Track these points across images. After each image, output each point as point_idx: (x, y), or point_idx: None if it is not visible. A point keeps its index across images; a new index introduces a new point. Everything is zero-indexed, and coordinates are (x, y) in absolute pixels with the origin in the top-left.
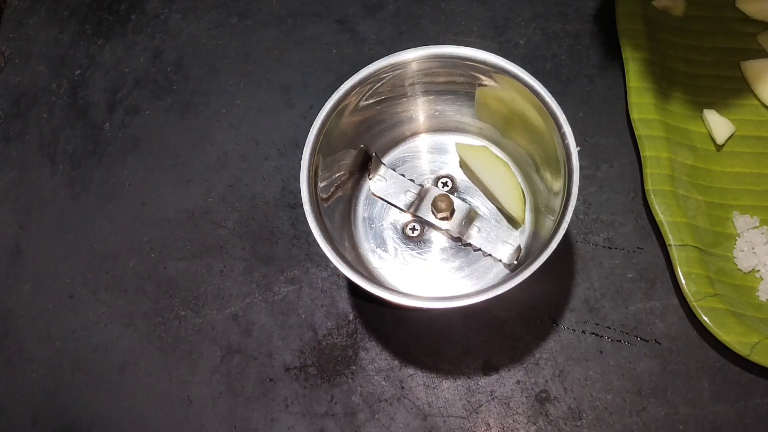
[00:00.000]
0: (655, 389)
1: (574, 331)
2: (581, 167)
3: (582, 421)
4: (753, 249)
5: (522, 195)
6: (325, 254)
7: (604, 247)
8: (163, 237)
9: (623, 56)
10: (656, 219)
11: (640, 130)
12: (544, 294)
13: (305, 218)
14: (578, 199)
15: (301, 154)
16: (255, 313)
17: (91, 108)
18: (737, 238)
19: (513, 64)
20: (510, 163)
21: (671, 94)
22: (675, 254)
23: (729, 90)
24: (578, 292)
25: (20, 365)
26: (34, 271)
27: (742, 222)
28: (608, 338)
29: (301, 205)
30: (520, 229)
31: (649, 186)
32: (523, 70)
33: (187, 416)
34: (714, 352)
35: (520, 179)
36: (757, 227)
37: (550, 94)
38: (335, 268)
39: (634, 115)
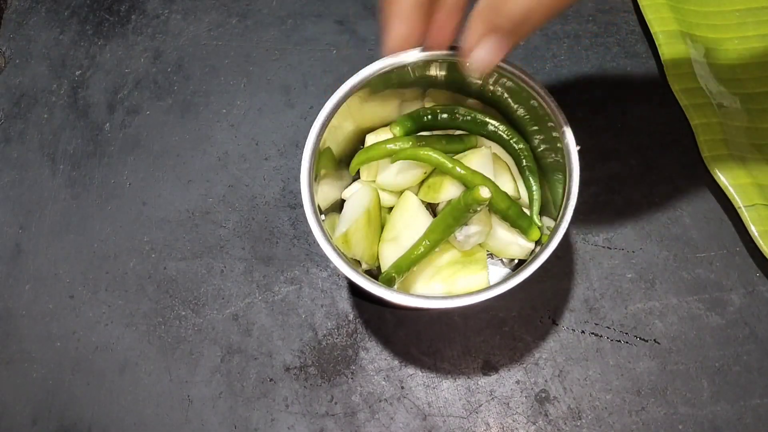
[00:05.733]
0: (655, 389)
1: (574, 331)
2: (581, 167)
3: (581, 421)
4: None
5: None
6: (325, 254)
7: (603, 247)
8: (164, 237)
9: (652, 32)
10: (720, 184)
11: (684, 100)
12: (544, 294)
13: (305, 218)
14: (578, 200)
15: (301, 154)
16: (255, 313)
17: (92, 108)
18: None
19: (513, 64)
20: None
21: (704, 61)
22: (747, 216)
23: (757, 49)
24: (578, 292)
25: (21, 365)
26: (34, 271)
27: None
28: (608, 338)
29: (302, 206)
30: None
31: (706, 153)
32: (523, 70)
33: (187, 416)
34: (714, 351)
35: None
36: None
37: (550, 94)
38: (335, 268)
39: (675, 87)
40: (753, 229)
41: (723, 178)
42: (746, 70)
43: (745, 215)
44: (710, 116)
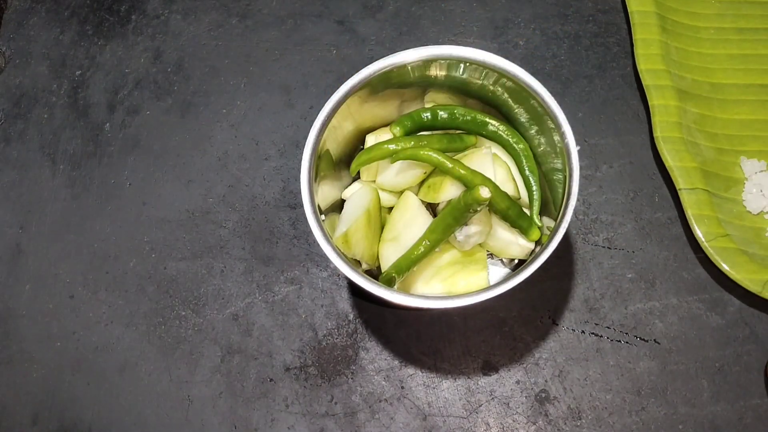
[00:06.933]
0: (655, 389)
1: (574, 331)
2: (581, 167)
3: (581, 421)
4: (761, 191)
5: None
6: (325, 254)
7: (603, 247)
8: (164, 237)
9: (629, 11)
10: (666, 165)
11: (647, 80)
12: (544, 294)
13: (305, 218)
14: (578, 200)
15: (301, 154)
16: (255, 313)
17: (92, 108)
18: (746, 181)
19: (513, 64)
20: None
21: (676, 46)
22: (685, 198)
23: (732, 41)
24: (578, 292)
25: (21, 365)
26: (34, 271)
27: (749, 166)
28: (608, 338)
29: (302, 206)
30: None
31: (659, 133)
32: (523, 71)
33: (187, 416)
34: (714, 351)
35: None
36: (764, 171)
37: (550, 95)
38: (335, 268)
39: (641, 66)
40: (689, 213)
41: (670, 159)
42: (716, 60)
43: (684, 198)
44: (669, 99)
